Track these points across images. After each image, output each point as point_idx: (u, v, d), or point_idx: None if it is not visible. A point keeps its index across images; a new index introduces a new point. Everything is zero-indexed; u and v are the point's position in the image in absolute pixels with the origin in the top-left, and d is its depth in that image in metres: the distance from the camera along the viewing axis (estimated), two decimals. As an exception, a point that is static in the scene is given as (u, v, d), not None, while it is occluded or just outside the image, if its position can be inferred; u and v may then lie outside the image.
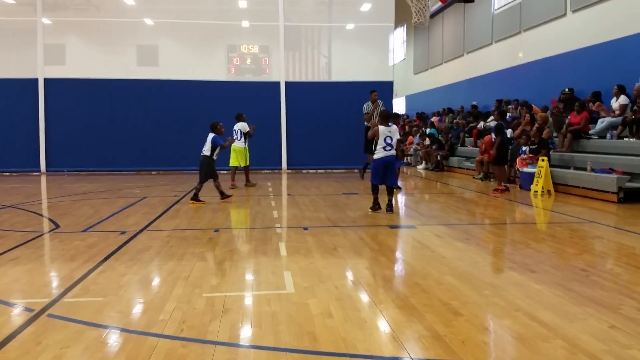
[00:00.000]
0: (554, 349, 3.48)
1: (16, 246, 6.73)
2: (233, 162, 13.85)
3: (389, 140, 9.00)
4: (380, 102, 14.91)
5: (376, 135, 9.05)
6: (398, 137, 9.23)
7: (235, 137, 13.45)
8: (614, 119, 12.37)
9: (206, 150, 10.71)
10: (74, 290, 4.86)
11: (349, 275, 5.39)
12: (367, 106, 15.02)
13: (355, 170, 17.02)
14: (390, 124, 9.24)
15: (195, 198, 10.67)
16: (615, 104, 12.51)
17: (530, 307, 4.28)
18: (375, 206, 9.40)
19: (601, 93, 13.36)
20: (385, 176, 9.13)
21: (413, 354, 3.42)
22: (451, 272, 5.44)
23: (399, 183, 12.60)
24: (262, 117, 19.48)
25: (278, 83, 19.65)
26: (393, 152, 9.08)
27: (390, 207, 9.27)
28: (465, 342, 3.58)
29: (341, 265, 5.83)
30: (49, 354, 3.42)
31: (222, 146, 10.91)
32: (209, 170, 10.69)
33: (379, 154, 9.08)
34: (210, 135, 10.77)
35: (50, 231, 7.96)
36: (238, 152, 13.71)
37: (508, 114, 16.91)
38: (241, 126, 13.74)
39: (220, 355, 3.41)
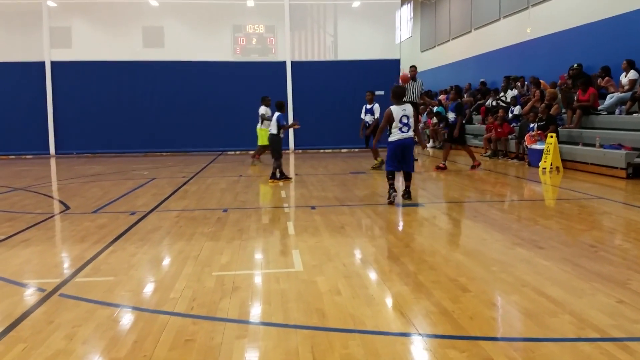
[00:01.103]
0: (562, 324, 3.49)
1: (27, 228, 6.80)
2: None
3: (405, 120, 7.93)
4: (420, 81, 13.58)
5: (389, 118, 8.02)
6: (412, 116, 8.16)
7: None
8: (623, 94, 12.23)
9: (273, 128, 10.93)
10: (85, 270, 4.91)
11: (357, 253, 5.42)
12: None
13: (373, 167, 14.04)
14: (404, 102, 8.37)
15: (274, 177, 10.96)
16: (624, 79, 12.36)
17: (538, 283, 4.29)
18: (392, 194, 8.06)
19: (610, 68, 13.20)
20: (403, 161, 8.13)
21: (421, 329, 3.45)
22: (459, 249, 5.46)
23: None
24: (268, 97, 19.47)
25: (284, 63, 19.56)
26: (411, 133, 8.02)
27: (408, 194, 8.33)
28: (473, 318, 3.60)
29: (349, 243, 5.86)
30: (61, 333, 3.47)
31: (284, 126, 11.13)
32: (275, 148, 10.94)
33: (394, 136, 8.03)
34: (276, 114, 10.97)
35: (60, 213, 8.03)
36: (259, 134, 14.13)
37: (515, 90, 16.79)
38: (263, 110, 13.83)
39: (230, 332, 3.45)
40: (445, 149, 12.86)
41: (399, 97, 8.21)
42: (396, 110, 7.98)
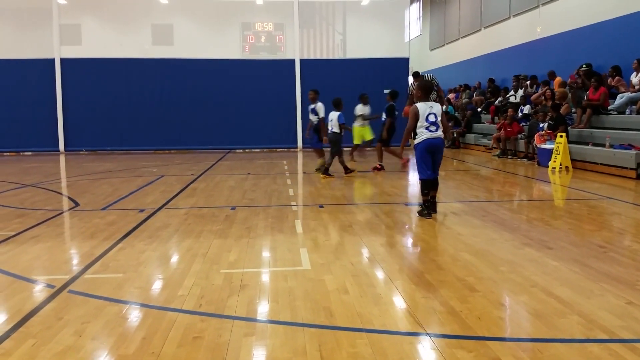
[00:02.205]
0: (571, 325, 3.47)
1: (37, 224, 6.84)
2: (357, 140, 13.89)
3: (432, 119, 6.95)
4: (431, 74, 13.46)
5: (415, 116, 7.03)
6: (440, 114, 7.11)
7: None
8: (633, 94, 12.14)
9: (334, 127, 11.09)
10: (94, 267, 4.94)
11: (365, 252, 5.42)
12: (410, 86, 13.72)
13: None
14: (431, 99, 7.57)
15: (327, 173, 11.25)
16: (635, 78, 12.27)
17: (546, 283, 4.27)
18: (425, 210, 7.11)
19: (621, 68, 13.11)
20: (435, 165, 7.11)
21: (429, 329, 3.44)
22: (467, 249, 5.44)
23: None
24: (277, 95, 19.52)
25: (293, 61, 19.57)
26: (440, 133, 7.02)
27: (434, 206, 7.23)
28: (481, 318, 3.59)
29: (357, 242, 5.85)
30: (70, 329, 3.50)
31: (344, 125, 11.35)
32: (335, 145, 11.19)
33: (421, 136, 7.01)
34: (336, 114, 11.15)
35: (70, 209, 8.08)
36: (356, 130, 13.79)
37: (524, 89, 16.71)
38: (360, 109, 13.72)
39: (238, 330, 3.46)
40: (377, 149, 12.68)
41: (426, 92, 7.26)
42: (422, 107, 7.03)
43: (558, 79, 14.97)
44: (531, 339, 3.32)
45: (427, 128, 6.96)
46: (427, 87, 7.38)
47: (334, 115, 11.13)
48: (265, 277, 4.64)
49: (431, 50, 27.75)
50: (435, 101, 12.85)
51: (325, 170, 11.23)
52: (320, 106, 11.89)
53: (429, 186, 7.10)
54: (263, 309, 3.86)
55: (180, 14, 19.97)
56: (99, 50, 18.87)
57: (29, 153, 18.51)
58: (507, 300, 4.01)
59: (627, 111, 12.16)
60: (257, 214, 7.41)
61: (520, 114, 15.63)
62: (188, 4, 19.81)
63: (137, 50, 19.17)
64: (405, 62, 19.76)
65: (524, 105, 15.83)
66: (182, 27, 19.93)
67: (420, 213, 7.15)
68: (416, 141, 7.10)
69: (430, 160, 7.04)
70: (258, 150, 19.39)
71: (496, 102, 18.08)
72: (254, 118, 19.26)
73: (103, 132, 18.94)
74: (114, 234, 6.26)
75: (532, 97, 15.10)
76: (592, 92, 12.81)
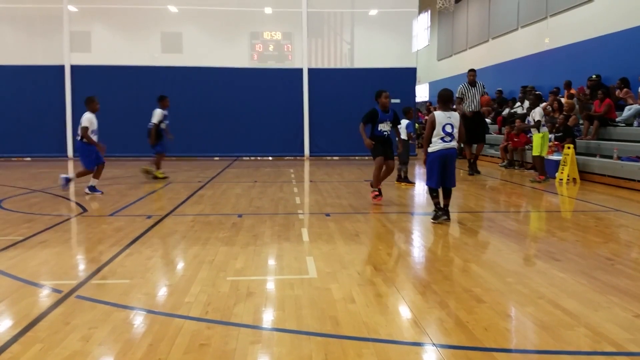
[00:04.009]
0: (578, 337, 3.46)
1: (45, 229, 6.88)
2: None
3: (449, 129, 7.02)
4: (480, 82, 12.93)
5: (432, 124, 7.11)
6: (458, 127, 7.19)
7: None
8: (641, 106, 12.13)
9: (403, 135, 11.18)
10: (102, 273, 4.96)
11: (371, 261, 5.42)
12: (461, 88, 13.13)
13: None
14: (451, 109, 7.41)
15: (406, 180, 11.44)
16: (643, 90, 12.27)
17: (553, 295, 4.26)
18: (439, 213, 7.26)
19: (629, 80, 13.09)
20: (446, 175, 7.20)
21: (435, 339, 3.44)
22: (474, 260, 5.43)
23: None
24: (284, 104, 19.57)
25: (301, 70, 19.63)
26: (454, 144, 7.14)
27: (447, 215, 7.33)
28: (488, 329, 3.59)
29: (363, 251, 5.85)
30: (77, 334, 3.51)
31: (411, 135, 11.55)
32: (405, 154, 11.34)
33: (435, 145, 7.11)
34: (405, 122, 11.32)
35: (78, 215, 8.12)
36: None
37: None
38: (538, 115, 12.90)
39: (244, 337, 3.47)
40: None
41: (445, 101, 7.27)
42: (440, 116, 7.08)
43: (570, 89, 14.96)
44: (538, 350, 3.31)
45: (442, 138, 7.07)
46: (446, 97, 7.30)
47: (403, 123, 11.30)
48: (272, 285, 4.65)
49: (439, 60, 27.80)
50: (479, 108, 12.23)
51: (399, 177, 11.50)
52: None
53: (438, 191, 7.29)
54: (269, 317, 3.86)
55: (190, 23, 20.10)
56: (109, 57, 18.99)
57: (38, 158, 18.59)
58: (514, 312, 4.00)
59: (635, 123, 12.14)
60: (264, 222, 7.42)
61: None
62: (197, 12, 19.93)
63: (146, 58, 19.28)
64: (412, 72, 19.79)
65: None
66: (192, 35, 20.05)
67: (435, 218, 7.22)
68: (429, 150, 7.18)
69: (439, 169, 7.13)
70: (265, 158, 19.43)
71: (503, 112, 18.06)
72: (261, 126, 19.31)
73: (111, 139, 18.83)
74: (122, 240, 6.28)
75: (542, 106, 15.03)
76: (597, 104, 12.79)
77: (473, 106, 12.90)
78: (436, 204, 7.26)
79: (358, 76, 19.60)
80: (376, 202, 8.85)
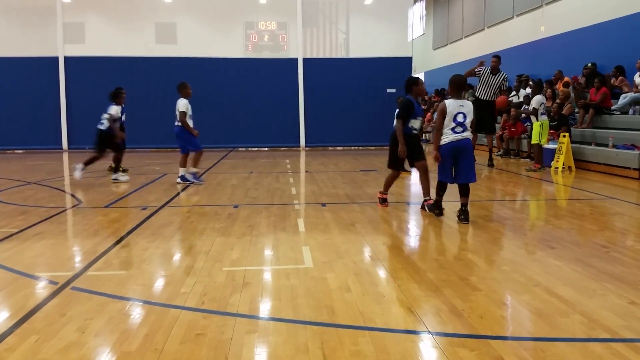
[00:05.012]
0: (573, 324, 3.48)
1: (40, 221, 6.86)
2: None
3: (460, 119, 6.38)
4: (504, 74, 12.24)
5: (443, 113, 6.46)
6: (472, 116, 6.52)
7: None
8: (636, 94, 12.12)
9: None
10: (97, 264, 4.96)
11: (367, 251, 5.43)
12: (482, 70, 12.36)
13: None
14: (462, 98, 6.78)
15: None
16: (638, 78, 12.25)
17: (549, 283, 4.27)
18: (437, 213, 6.85)
19: (624, 68, 13.09)
20: (459, 169, 6.53)
21: (431, 327, 3.45)
22: (469, 248, 5.44)
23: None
24: (280, 94, 19.53)
25: (296, 60, 19.58)
26: (467, 134, 6.45)
27: (465, 215, 6.54)
28: (484, 317, 3.60)
29: (359, 240, 5.86)
30: (73, 325, 3.51)
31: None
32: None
33: (446, 137, 6.46)
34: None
35: (73, 207, 8.10)
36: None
37: (528, 89, 16.67)
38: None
39: (240, 327, 3.47)
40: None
41: (457, 88, 6.64)
42: (452, 105, 6.43)
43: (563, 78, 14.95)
44: (533, 338, 3.33)
45: (453, 129, 6.40)
46: (459, 83, 6.65)
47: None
48: (268, 275, 4.65)
49: (434, 49, 27.72)
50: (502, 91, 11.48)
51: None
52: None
53: (445, 188, 6.80)
54: (265, 307, 3.87)
55: (184, 13, 20.00)
56: (103, 48, 18.89)
57: (32, 150, 18.52)
58: (510, 300, 4.01)
59: (630, 111, 12.15)
60: (260, 212, 7.42)
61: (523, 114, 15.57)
62: (192, 2, 19.82)
63: (140, 48, 19.19)
64: (408, 61, 19.77)
65: (528, 105, 15.77)
66: (186, 25, 19.95)
67: (428, 209, 6.94)
68: (441, 142, 6.51)
69: (451, 163, 6.50)
70: (261, 149, 19.40)
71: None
72: (256, 117, 19.29)
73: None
74: (117, 231, 6.27)
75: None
76: (593, 92, 12.80)
77: (488, 94, 12.29)
78: (438, 201, 6.80)
79: (353, 66, 19.57)
80: (382, 208, 7.64)
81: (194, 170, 10.39)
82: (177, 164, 12.70)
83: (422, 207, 7.35)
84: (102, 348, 3.22)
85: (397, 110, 11.24)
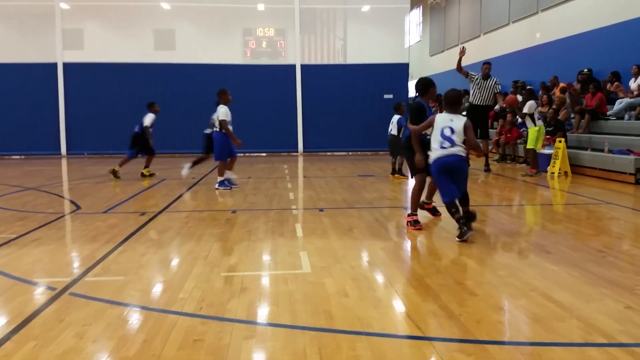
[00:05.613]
0: (570, 329, 3.49)
1: (38, 227, 6.86)
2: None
3: (447, 133, 5.97)
4: (495, 79, 12.54)
5: (430, 124, 6.21)
6: (462, 132, 6.00)
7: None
8: (632, 99, 12.20)
9: (393, 130, 11.37)
10: (96, 270, 4.96)
11: (365, 256, 5.44)
12: (474, 75, 12.76)
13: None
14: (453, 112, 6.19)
15: (399, 172, 11.69)
16: (633, 84, 12.33)
17: (545, 287, 4.29)
18: (464, 229, 5.89)
19: (620, 73, 13.16)
20: (456, 183, 6.08)
21: (428, 332, 3.46)
22: (466, 253, 5.46)
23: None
24: (278, 100, 19.57)
25: (294, 66, 19.62)
26: (456, 149, 5.97)
27: (467, 224, 5.97)
28: (481, 322, 3.61)
29: (357, 246, 5.87)
30: (71, 331, 3.51)
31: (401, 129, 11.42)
32: (396, 148, 11.28)
33: (433, 153, 6.09)
34: (396, 117, 11.43)
35: (71, 212, 8.10)
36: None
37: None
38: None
39: (238, 333, 3.48)
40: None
41: (450, 103, 6.20)
42: (440, 118, 6.11)
43: (558, 84, 15.02)
44: (530, 342, 3.34)
45: (440, 144, 6.02)
46: (453, 99, 6.22)
47: (395, 118, 11.44)
48: (266, 281, 4.66)
49: (431, 55, 27.82)
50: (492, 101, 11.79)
51: (398, 171, 11.67)
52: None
53: (456, 204, 6.08)
54: (263, 312, 3.88)
55: (183, 19, 20.05)
56: (101, 54, 18.91)
57: (31, 156, 18.51)
58: (506, 304, 4.03)
59: (626, 117, 12.21)
60: (258, 218, 7.43)
61: (519, 120, 15.62)
62: (190, 9, 19.87)
63: (139, 54, 19.20)
64: (405, 67, 19.83)
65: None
66: (184, 32, 19.99)
67: (460, 236, 5.89)
68: (430, 159, 6.19)
69: (447, 178, 6.06)
70: (259, 154, 19.42)
71: (495, 107, 18.08)
72: (254, 122, 19.28)
73: (105, 136, 18.95)
74: (116, 237, 6.28)
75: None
76: (589, 98, 12.87)
77: (482, 100, 12.68)
78: (458, 219, 5.97)
79: (351, 72, 19.63)
80: (414, 230, 6.59)
81: (234, 176, 10.58)
82: (175, 168, 12.70)
83: (412, 223, 6.70)
84: (100, 354, 3.23)
85: (397, 117, 11.36)
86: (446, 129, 6.00)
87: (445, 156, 5.99)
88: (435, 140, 6.07)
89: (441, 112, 6.29)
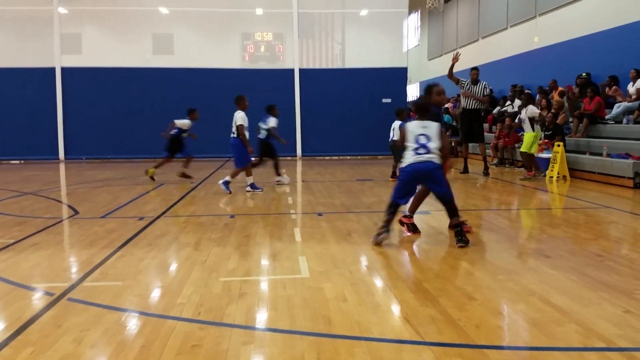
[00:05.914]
0: (568, 333, 3.49)
1: (36, 232, 6.85)
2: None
3: (423, 141, 5.91)
4: (484, 82, 12.81)
5: (403, 136, 6.13)
6: (437, 138, 5.96)
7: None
8: (630, 103, 12.21)
9: (395, 136, 11.47)
10: (94, 275, 4.95)
11: (363, 260, 5.44)
12: (463, 82, 12.99)
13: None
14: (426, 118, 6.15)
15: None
16: (632, 88, 12.34)
17: (544, 292, 4.29)
18: (382, 234, 6.03)
19: (618, 77, 13.18)
20: (430, 188, 6.19)
21: (427, 337, 3.45)
22: (465, 257, 5.46)
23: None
24: (276, 104, 19.53)
25: (292, 70, 19.65)
26: (430, 156, 5.89)
27: (460, 237, 5.86)
28: (480, 326, 3.61)
29: (355, 250, 5.86)
30: (69, 337, 3.50)
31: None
32: (398, 153, 11.25)
33: (407, 159, 6.00)
34: (397, 123, 11.56)
35: (69, 217, 8.09)
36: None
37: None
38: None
39: (237, 338, 3.47)
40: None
41: (418, 110, 6.28)
42: (412, 126, 6.07)
43: (557, 88, 15.04)
44: (529, 347, 3.34)
45: (415, 150, 5.93)
46: (420, 107, 6.30)
47: (396, 124, 11.53)
48: (264, 285, 4.66)
49: (429, 60, 27.86)
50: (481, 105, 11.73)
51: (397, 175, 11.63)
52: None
53: (397, 210, 6.11)
54: (262, 317, 3.87)
55: (181, 24, 20.08)
56: (100, 59, 18.92)
57: (29, 161, 18.49)
58: (505, 309, 4.02)
59: (624, 120, 12.23)
60: (256, 222, 7.43)
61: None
62: (189, 13, 19.90)
63: (137, 59, 19.24)
64: (403, 71, 19.86)
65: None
66: (183, 36, 20.03)
67: (374, 239, 6.03)
68: (403, 164, 6.09)
69: (412, 188, 6.17)
70: (257, 158, 19.39)
71: (494, 111, 18.13)
72: (253, 127, 19.29)
73: (103, 141, 18.97)
74: (114, 241, 6.27)
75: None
76: (587, 102, 12.89)
77: (473, 104, 12.91)
78: (387, 221, 6.03)
79: (349, 76, 19.66)
80: (408, 231, 6.64)
81: (251, 179, 10.59)
82: (174, 173, 12.69)
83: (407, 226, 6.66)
84: (98, 359, 3.22)
85: (399, 122, 11.38)
86: (421, 136, 5.95)
87: (420, 162, 5.92)
88: (409, 147, 6.00)
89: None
